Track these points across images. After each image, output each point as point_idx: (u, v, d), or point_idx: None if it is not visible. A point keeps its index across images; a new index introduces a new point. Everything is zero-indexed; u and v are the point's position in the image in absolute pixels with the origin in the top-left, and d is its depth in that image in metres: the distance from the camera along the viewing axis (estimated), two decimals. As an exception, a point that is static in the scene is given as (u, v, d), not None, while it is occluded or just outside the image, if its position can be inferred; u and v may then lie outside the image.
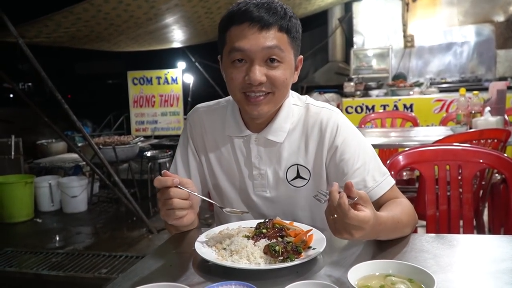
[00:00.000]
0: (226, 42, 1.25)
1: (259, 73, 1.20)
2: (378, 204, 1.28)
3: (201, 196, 1.21)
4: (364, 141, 1.37)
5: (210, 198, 1.43)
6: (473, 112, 3.42)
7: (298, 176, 1.37)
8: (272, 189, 1.40)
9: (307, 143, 1.36)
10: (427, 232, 1.91)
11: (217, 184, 1.47)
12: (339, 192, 0.97)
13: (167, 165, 6.13)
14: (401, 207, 1.25)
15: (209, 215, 4.54)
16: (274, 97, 1.26)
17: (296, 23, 1.27)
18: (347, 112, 6.22)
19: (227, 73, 1.27)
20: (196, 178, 1.48)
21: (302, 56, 1.34)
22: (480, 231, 2.57)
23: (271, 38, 1.19)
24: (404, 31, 7.54)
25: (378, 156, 1.38)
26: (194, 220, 1.36)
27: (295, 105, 1.40)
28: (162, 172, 1.16)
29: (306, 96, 1.46)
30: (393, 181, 1.34)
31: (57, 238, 4.73)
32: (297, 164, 1.37)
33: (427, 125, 5.43)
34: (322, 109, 1.38)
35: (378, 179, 1.31)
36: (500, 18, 7.08)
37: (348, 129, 1.36)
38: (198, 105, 1.52)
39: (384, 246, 1.16)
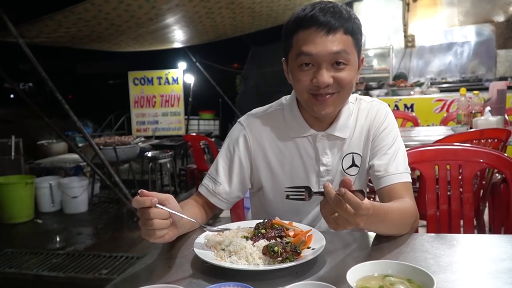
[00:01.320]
0: (292, 46, 1.29)
1: (326, 76, 1.25)
2: (389, 191, 1.34)
3: (181, 215, 1.13)
4: (399, 136, 1.45)
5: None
6: (473, 112, 3.41)
7: (353, 164, 1.45)
8: (335, 184, 1.41)
9: (361, 132, 1.44)
10: (428, 231, 1.90)
11: (276, 185, 1.47)
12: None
13: (168, 165, 6.14)
14: (404, 206, 1.27)
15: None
16: (340, 96, 1.32)
17: (360, 25, 1.31)
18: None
19: (294, 75, 1.32)
20: (235, 185, 1.47)
21: (363, 56, 1.39)
22: (481, 230, 2.56)
23: (337, 42, 1.24)
24: (405, 31, 7.54)
25: None
26: (192, 225, 1.32)
27: (351, 102, 1.47)
28: (139, 191, 1.09)
29: (356, 94, 1.53)
30: (410, 180, 1.38)
31: (58, 239, 4.73)
32: (353, 153, 1.44)
33: (428, 125, 5.42)
34: (373, 102, 1.49)
35: (400, 169, 1.37)
36: (501, 18, 7.07)
37: (392, 121, 1.46)
38: (251, 112, 1.52)
39: (384, 246, 1.16)
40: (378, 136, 1.42)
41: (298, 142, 1.43)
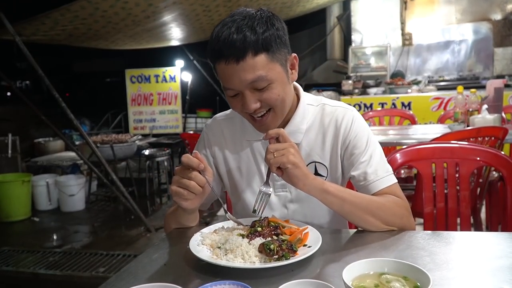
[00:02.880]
0: (218, 75, 1.27)
1: (251, 102, 1.24)
2: None
3: (214, 191, 1.25)
4: (373, 138, 1.41)
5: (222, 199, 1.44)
6: (470, 110, 3.42)
7: (316, 173, 1.41)
8: (292, 189, 1.41)
9: (324, 140, 1.41)
10: (425, 229, 1.90)
11: (236, 189, 1.49)
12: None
13: (165, 163, 6.13)
14: (386, 199, 1.29)
15: (207, 214, 4.53)
16: (276, 112, 1.30)
17: (273, 34, 1.21)
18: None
19: (229, 102, 1.32)
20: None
21: (295, 54, 1.32)
22: (478, 228, 2.57)
23: (249, 68, 1.18)
24: (402, 29, 7.54)
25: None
26: (197, 216, 1.39)
27: (309, 105, 1.44)
28: (194, 152, 1.20)
29: (321, 96, 1.50)
30: (395, 180, 1.36)
31: (55, 237, 4.72)
32: (315, 162, 1.41)
33: (425, 123, 5.43)
34: (338, 107, 1.43)
35: (380, 174, 1.34)
36: (498, 16, 7.08)
37: (361, 125, 1.41)
38: (216, 115, 1.57)
39: (380, 244, 1.16)
40: (348, 145, 1.38)
41: (254, 146, 1.45)
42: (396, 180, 1.37)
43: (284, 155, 1.15)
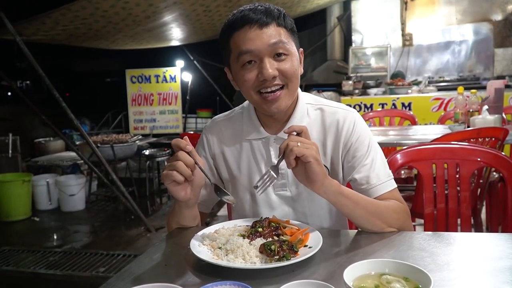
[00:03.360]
0: (231, 49, 1.30)
1: (270, 68, 1.25)
2: None
3: (206, 174, 1.23)
4: (374, 141, 1.41)
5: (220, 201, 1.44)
6: (471, 110, 3.41)
7: None
8: (292, 188, 1.41)
9: (325, 142, 1.40)
10: (425, 230, 1.90)
11: (237, 189, 1.49)
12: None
13: (166, 163, 6.12)
14: (390, 203, 1.29)
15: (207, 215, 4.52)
16: (288, 89, 1.31)
17: (292, 22, 1.32)
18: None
19: (239, 77, 1.31)
20: (209, 187, 1.49)
21: (302, 49, 1.38)
22: (478, 229, 2.57)
23: (273, 34, 1.24)
24: (403, 29, 7.54)
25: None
26: (196, 216, 1.38)
27: (308, 104, 1.44)
28: (184, 137, 1.21)
29: (320, 97, 1.50)
30: (395, 185, 1.37)
31: (55, 237, 4.73)
32: None
33: (425, 124, 5.43)
34: (338, 109, 1.42)
35: (382, 178, 1.34)
36: (498, 17, 7.07)
37: (363, 128, 1.40)
38: (215, 116, 1.58)
39: (381, 245, 1.16)
40: (350, 148, 1.38)
41: (254, 145, 1.44)
42: (396, 186, 1.37)
43: (309, 149, 1.13)
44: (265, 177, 1.22)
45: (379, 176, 1.33)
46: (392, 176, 1.37)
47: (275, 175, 1.21)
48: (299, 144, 1.13)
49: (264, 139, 1.42)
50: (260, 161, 1.43)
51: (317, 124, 1.42)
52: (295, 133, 1.18)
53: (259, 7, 1.26)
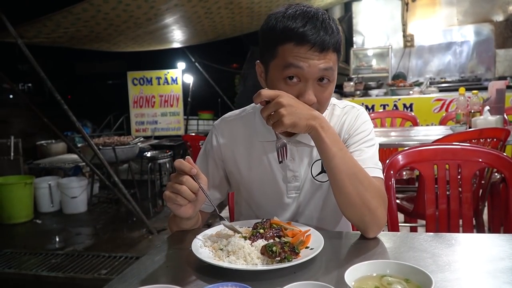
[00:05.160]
0: (278, 55, 1.23)
1: (311, 94, 1.22)
2: None
3: (208, 198, 1.22)
4: (371, 136, 1.40)
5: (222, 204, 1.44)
6: (472, 111, 3.41)
7: (322, 170, 1.39)
8: (304, 192, 1.41)
9: None
10: (427, 231, 1.90)
11: (245, 189, 1.48)
12: None
13: (167, 165, 6.13)
14: (369, 177, 1.25)
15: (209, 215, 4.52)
16: None
17: (340, 38, 1.27)
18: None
19: (276, 86, 1.24)
20: (214, 187, 1.49)
21: None
22: (480, 230, 2.56)
23: (327, 60, 1.21)
24: (404, 30, 7.55)
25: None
26: (197, 220, 1.37)
27: None
28: (186, 157, 1.18)
29: (332, 98, 1.48)
30: (381, 176, 1.34)
31: (57, 239, 4.73)
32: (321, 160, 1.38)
33: (427, 125, 5.42)
34: (345, 107, 1.45)
35: (368, 164, 1.31)
36: (500, 17, 7.08)
37: (364, 122, 1.41)
38: (225, 115, 1.54)
39: (382, 246, 1.16)
40: (348, 139, 1.38)
41: (266, 147, 1.41)
42: (383, 178, 1.35)
43: (279, 120, 1.14)
44: (280, 151, 1.23)
45: (365, 161, 1.30)
46: (381, 168, 1.35)
47: (283, 141, 1.23)
48: (271, 119, 1.16)
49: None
50: (274, 164, 1.41)
51: None
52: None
53: (322, 23, 1.19)
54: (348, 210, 1.22)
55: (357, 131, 1.38)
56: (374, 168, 1.31)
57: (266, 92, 1.16)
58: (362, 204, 1.19)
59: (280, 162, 1.23)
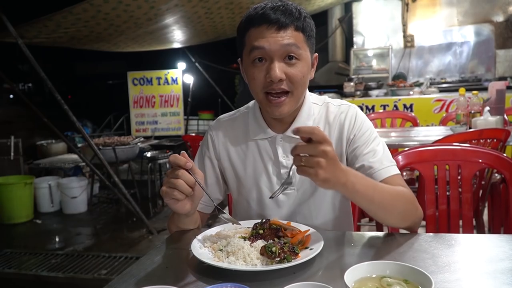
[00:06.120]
0: (245, 43, 1.30)
1: (278, 70, 1.25)
2: None
3: (205, 191, 1.23)
4: (375, 132, 1.43)
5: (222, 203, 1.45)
6: (472, 112, 3.41)
7: None
8: (299, 188, 1.42)
9: (330, 137, 1.39)
10: (427, 232, 1.90)
11: (241, 189, 1.49)
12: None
13: (167, 165, 6.13)
14: (399, 189, 1.27)
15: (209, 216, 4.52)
16: (293, 96, 1.32)
17: (310, 23, 1.32)
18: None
19: (248, 73, 1.32)
20: (212, 187, 1.51)
21: (317, 54, 1.39)
22: (480, 230, 2.56)
23: (288, 37, 1.25)
24: (404, 31, 7.54)
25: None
26: (196, 220, 1.38)
27: (314, 103, 1.46)
28: (181, 152, 1.19)
29: (325, 96, 1.53)
30: (398, 172, 1.36)
31: (57, 239, 4.73)
32: None
33: (427, 125, 5.42)
34: (341, 105, 1.46)
35: (385, 163, 1.34)
36: (500, 18, 7.07)
37: (363, 120, 1.43)
38: (220, 116, 1.58)
39: (382, 246, 1.16)
40: (352, 140, 1.40)
41: (260, 144, 1.45)
42: (399, 173, 1.37)
43: (314, 168, 1.02)
44: (281, 187, 1.25)
45: (382, 161, 1.34)
46: (395, 164, 1.37)
47: (291, 181, 1.27)
48: (303, 160, 1.03)
49: (271, 138, 1.43)
50: (267, 161, 1.44)
51: (322, 121, 1.44)
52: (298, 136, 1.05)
53: (281, 6, 1.26)
54: (398, 226, 1.31)
55: (361, 131, 1.40)
56: (391, 166, 1.34)
57: (304, 129, 1.04)
58: (407, 218, 1.27)
59: (270, 197, 1.30)
